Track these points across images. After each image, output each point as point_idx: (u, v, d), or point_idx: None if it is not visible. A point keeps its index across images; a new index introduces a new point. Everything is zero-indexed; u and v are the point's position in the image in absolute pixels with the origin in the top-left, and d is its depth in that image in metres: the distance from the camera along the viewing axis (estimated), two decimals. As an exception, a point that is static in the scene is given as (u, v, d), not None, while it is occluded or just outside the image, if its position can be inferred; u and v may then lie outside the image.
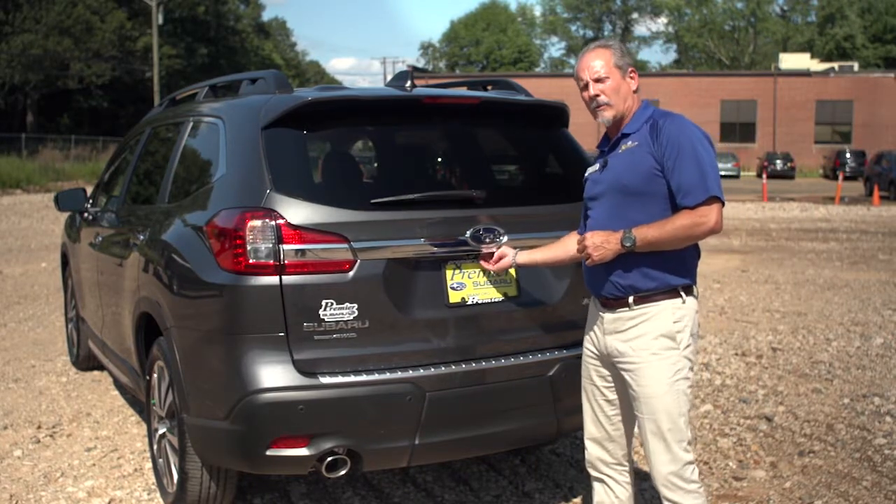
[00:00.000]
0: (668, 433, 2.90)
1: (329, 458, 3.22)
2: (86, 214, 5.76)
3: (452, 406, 3.37)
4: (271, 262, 3.19)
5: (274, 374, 3.16)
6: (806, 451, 4.62)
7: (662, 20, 76.89)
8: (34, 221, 18.67)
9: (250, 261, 3.18)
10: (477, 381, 3.41)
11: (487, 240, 3.46)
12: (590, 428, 3.20)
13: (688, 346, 2.93)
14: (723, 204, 2.86)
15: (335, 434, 3.19)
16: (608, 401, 3.14)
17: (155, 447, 4.00)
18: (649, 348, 2.92)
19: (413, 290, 3.37)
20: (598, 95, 2.99)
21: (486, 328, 3.50)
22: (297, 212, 3.22)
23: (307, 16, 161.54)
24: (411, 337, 3.34)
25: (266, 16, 71.28)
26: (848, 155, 42.51)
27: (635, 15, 78.90)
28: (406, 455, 3.34)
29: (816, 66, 56.06)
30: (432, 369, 3.33)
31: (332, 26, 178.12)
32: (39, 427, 5.04)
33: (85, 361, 6.15)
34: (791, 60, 56.04)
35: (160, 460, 3.94)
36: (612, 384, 3.11)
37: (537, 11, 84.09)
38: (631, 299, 2.94)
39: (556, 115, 4.05)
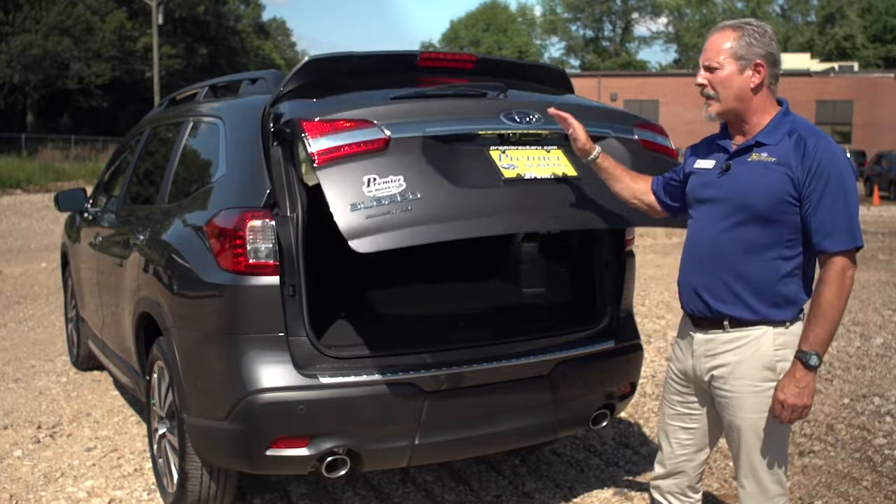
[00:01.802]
0: (761, 465, 2.69)
1: (329, 458, 3.22)
2: (86, 214, 5.76)
3: (452, 406, 3.37)
4: (271, 262, 3.19)
5: (274, 374, 3.16)
6: (806, 451, 4.62)
7: (662, 20, 76.86)
8: (34, 221, 18.66)
9: (250, 261, 3.18)
10: (477, 381, 3.41)
11: (524, 121, 3.30)
12: (662, 455, 2.96)
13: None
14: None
15: (335, 434, 3.19)
16: (686, 429, 2.89)
17: (155, 447, 4.00)
18: (747, 378, 2.64)
19: (461, 167, 3.13)
20: (703, 86, 2.64)
21: (548, 203, 3.22)
22: (317, 111, 3.10)
23: (307, 16, 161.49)
24: (470, 209, 3.06)
25: (266, 16, 71.29)
26: (848, 155, 42.39)
27: (635, 15, 78.85)
28: (406, 455, 3.34)
29: (816, 66, 56.01)
30: (433, 370, 3.32)
31: (332, 26, 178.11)
32: (39, 427, 5.04)
33: (85, 361, 6.15)
34: (791, 60, 55.95)
35: (160, 460, 3.94)
36: (694, 411, 2.86)
37: (537, 11, 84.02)
38: (726, 322, 2.67)
39: (554, 78, 4.03)
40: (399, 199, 2.91)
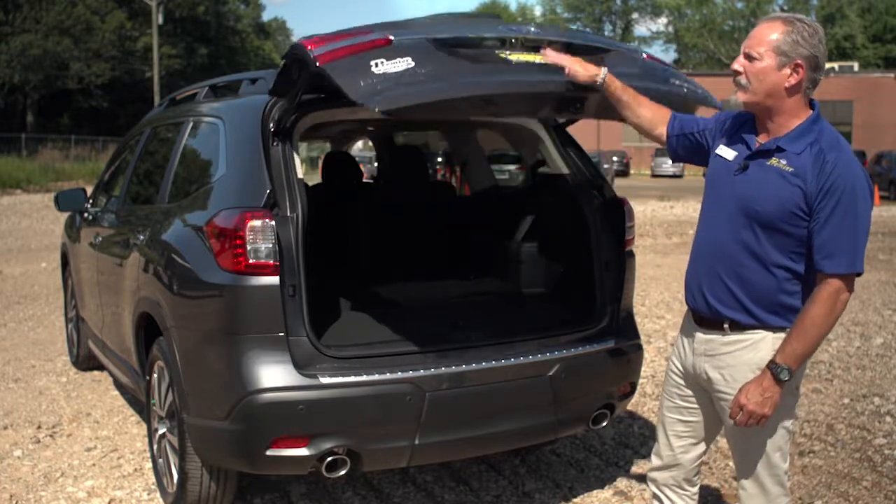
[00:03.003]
0: (761, 466, 2.68)
1: (329, 458, 3.22)
2: (86, 214, 5.76)
3: (452, 406, 3.37)
4: (271, 262, 3.19)
5: (274, 374, 3.16)
6: (806, 451, 4.62)
7: (662, 20, 76.86)
8: (34, 221, 18.65)
9: (250, 261, 3.18)
10: (477, 381, 3.41)
11: (523, 31, 3.20)
12: (659, 446, 2.96)
13: (791, 379, 2.56)
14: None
15: (335, 434, 3.19)
16: (684, 422, 2.88)
17: (155, 447, 4.00)
18: (744, 381, 2.58)
19: (469, 57, 3.05)
20: (738, 73, 2.54)
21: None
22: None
23: (307, 16, 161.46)
24: (485, 73, 3.02)
25: (266, 16, 71.26)
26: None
27: (635, 15, 78.88)
28: (406, 455, 3.34)
29: (816, 66, 55.97)
30: (433, 370, 3.32)
31: (331, 26, 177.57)
32: (39, 427, 5.04)
33: (85, 361, 6.15)
34: (791, 60, 55.94)
35: (160, 460, 3.94)
36: (692, 405, 2.85)
37: (537, 11, 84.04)
38: (725, 325, 2.65)
39: None
40: (409, 72, 2.83)
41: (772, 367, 2.51)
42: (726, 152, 2.69)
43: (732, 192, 2.61)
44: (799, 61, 2.49)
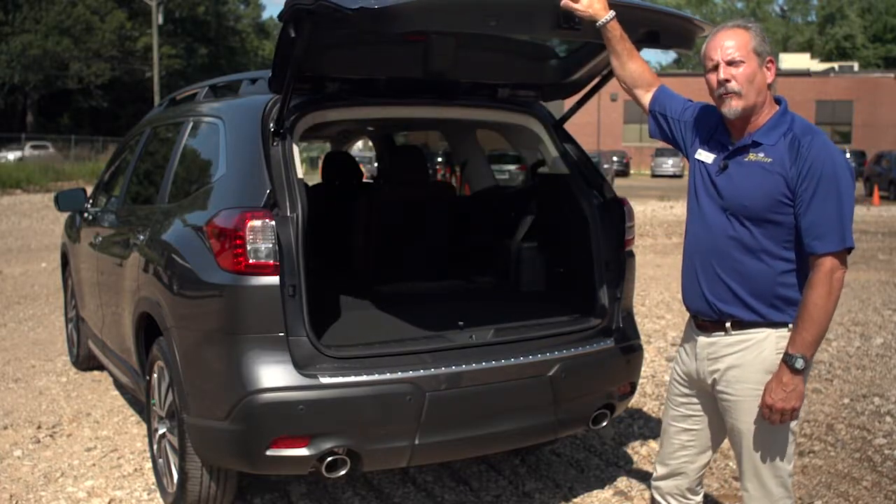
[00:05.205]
0: (764, 468, 2.69)
1: (329, 458, 3.22)
2: (86, 214, 5.76)
3: (452, 406, 3.37)
4: (271, 262, 3.19)
5: (274, 374, 3.16)
6: (806, 451, 4.62)
7: (662, 20, 76.93)
8: (34, 221, 18.66)
9: (250, 261, 3.19)
10: (477, 381, 3.41)
11: None
12: (663, 454, 2.96)
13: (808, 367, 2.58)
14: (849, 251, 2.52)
15: (335, 434, 3.19)
16: (688, 430, 2.88)
17: (155, 447, 4.00)
18: (749, 382, 2.63)
19: None
20: (728, 81, 2.58)
21: None
22: None
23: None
24: None
25: (266, 16, 71.22)
26: (848, 155, 42.49)
27: (635, 15, 78.96)
28: (406, 455, 3.34)
29: (816, 66, 56.04)
30: (433, 370, 3.32)
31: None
32: (39, 427, 5.04)
33: (85, 361, 6.15)
34: (791, 60, 56.03)
35: (160, 460, 3.94)
36: (697, 413, 2.86)
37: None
38: (728, 325, 2.67)
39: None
40: None
41: (787, 358, 2.54)
42: (705, 156, 2.75)
43: (718, 192, 2.66)
44: (770, 57, 2.63)
